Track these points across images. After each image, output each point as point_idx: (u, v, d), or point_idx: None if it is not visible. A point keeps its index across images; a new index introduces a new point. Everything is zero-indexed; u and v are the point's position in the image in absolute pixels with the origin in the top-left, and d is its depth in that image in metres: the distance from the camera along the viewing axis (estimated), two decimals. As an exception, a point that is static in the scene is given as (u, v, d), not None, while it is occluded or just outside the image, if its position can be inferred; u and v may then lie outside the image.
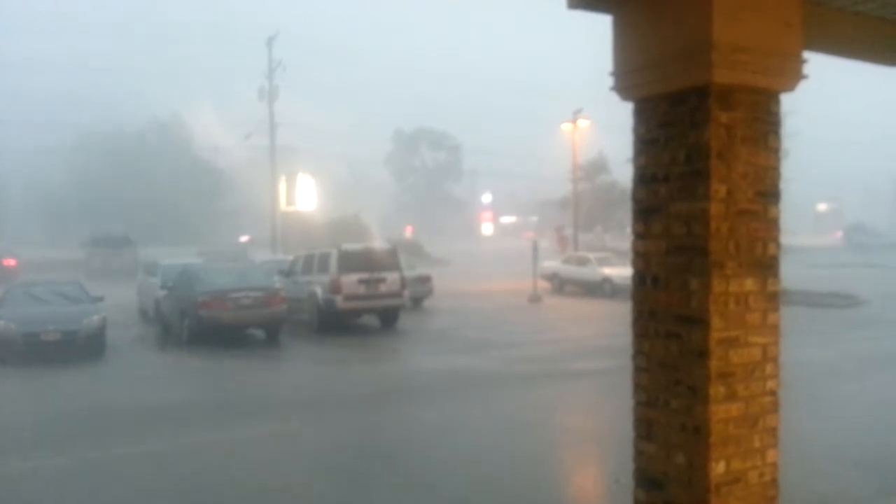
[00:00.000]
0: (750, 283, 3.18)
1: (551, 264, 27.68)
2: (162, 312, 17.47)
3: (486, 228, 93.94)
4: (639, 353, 3.46)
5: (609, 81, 3.55)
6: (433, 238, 60.75)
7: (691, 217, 3.15)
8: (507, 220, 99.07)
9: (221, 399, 11.00)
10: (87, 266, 36.32)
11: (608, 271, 24.83)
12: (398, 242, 27.16)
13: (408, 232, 65.11)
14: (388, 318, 18.02)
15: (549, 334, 16.90)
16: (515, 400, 10.50)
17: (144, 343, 16.57)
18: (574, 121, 34.79)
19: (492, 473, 7.09)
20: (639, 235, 3.45)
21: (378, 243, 23.13)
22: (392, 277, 17.59)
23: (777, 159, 3.29)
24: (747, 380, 3.18)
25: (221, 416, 9.75)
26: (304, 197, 38.61)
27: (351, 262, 17.35)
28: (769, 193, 3.25)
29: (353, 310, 17.48)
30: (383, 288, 17.46)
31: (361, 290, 17.18)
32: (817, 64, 3.71)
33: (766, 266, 3.24)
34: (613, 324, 15.22)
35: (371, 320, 18.44)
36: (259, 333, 16.39)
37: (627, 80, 3.45)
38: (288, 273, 19.15)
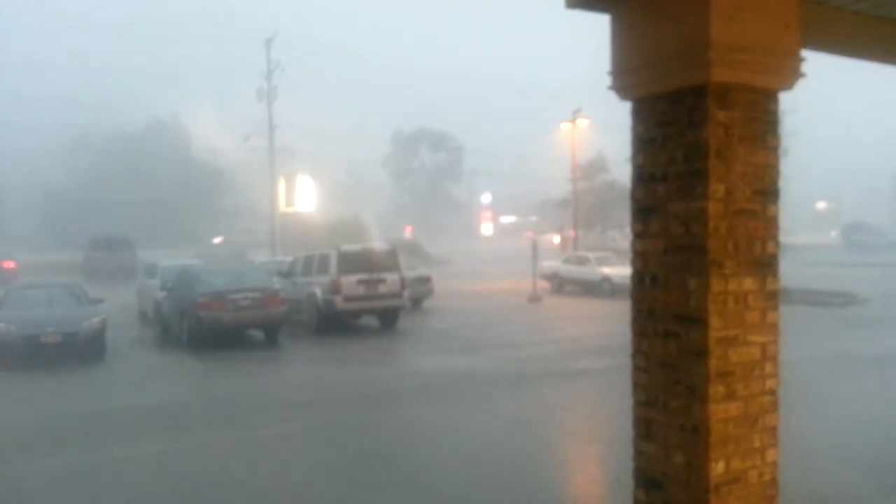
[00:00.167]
0: (749, 282, 3.18)
1: (551, 264, 27.69)
2: (161, 314, 17.46)
3: (486, 228, 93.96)
4: (638, 352, 3.45)
5: (607, 81, 3.56)
6: (433, 238, 60.74)
7: (690, 216, 3.15)
8: (506, 220, 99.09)
9: (221, 400, 11.00)
10: (86, 268, 36.30)
11: (607, 270, 24.85)
12: (398, 243, 27.16)
13: (407, 232, 65.13)
14: (388, 318, 18.01)
15: (548, 334, 16.90)
16: (516, 399, 10.50)
17: (144, 344, 16.57)
18: (573, 120, 34.81)
19: (492, 473, 7.08)
20: (637, 235, 3.45)
21: (377, 244, 23.13)
22: (392, 278, 17.58)
23: (775, 158, 3.29)
24: (746, 379, 3.17)
25: (221, 417, 9.75)
26: (303, 198, 38.62)
27: (350, 262, 17.34)
28: (768, 192, 3.24)
29: (353, 310, 17.48)
30: (383, 288, 17.46)
31: (361, 290, 17.18)
32: (816, 63, 3.71)
33: (765, 265, 3.24)
34: (613, 323, 15.21)
35: (371, 321, 18.44)
36: (258, 334, 16.38)
37: (625, 79, 3.45)
38: (287, 274, 19.15)
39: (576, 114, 34.56)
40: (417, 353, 15.10)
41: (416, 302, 21.51)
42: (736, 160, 3.13)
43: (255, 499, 6.66)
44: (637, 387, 3.46)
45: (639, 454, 3.44)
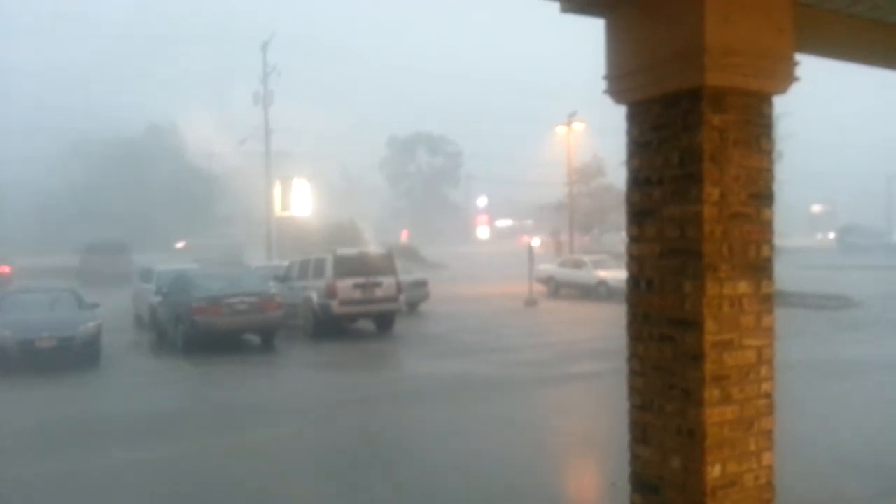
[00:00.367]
0: (744, 286, 3.18)
1: (547, 267, 27.70)
2: (157, 318, 17.41)
3: (482, 232, 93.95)
4: (633, 356, 3.45)
5: (602, 85, 3.56)
6: (429, 242, 60.73)
7: (685, 220, 3.15)
8: (503, 223, 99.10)
9: (217, 405, 10.96)
10: (82, 272, 36.18)
11: (603, 274, 24.87)
12: (394, 247, 27.13)
13: (403, 236, 65.06)
14: (384, 322, 17.99)
15: (545, 338, 16.89)
16: (512, 403, 10.49)
17: (140, 349, 16.52)
18: (569, 124, 34.85)
19: (489, 477, 7.07)
20: (633, 238, 3.46)
21: (374, 248, 23.10)
22: (388, 282, 17.56)
23: (770, 161, 3.30)
24: (742, 383, 3.18)
25: (217, 422, 9.71)
26: (299, 202, 38.58)
27: (346, 266, 17.31)
28: (762, 196, 3.25)
29: (349, 315, 17.44)
30: (379, 293, 17.43)
31: (357, 294, 17.15)
32: (811, 66, 3.72)
33: (760, 268, 3.24)
34: (609, 326, 15.22)
35: (367, 325, 18.41)
36: (254, 339, 16.34)
37: (620, 83, 3.45)
38: (283, 278, 19.11)
39: (571, 117, 34.60)
40: (414, 357, 15.08)
41: (413, 306, 21.49)
42: (730, 164, 3.14)
43: (252, 503, 6.64)
44: (633, 391, 3.46)
45: (635, 458, 3.44)
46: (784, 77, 3.27)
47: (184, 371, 13.91)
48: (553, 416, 9.76)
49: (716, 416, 3.09)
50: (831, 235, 71.35)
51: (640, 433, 3.40)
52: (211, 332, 15.04)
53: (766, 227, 3.28)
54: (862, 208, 77.99)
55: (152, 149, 65.71)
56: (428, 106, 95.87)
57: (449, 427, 9.17)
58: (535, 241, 31.46)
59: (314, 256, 18.96)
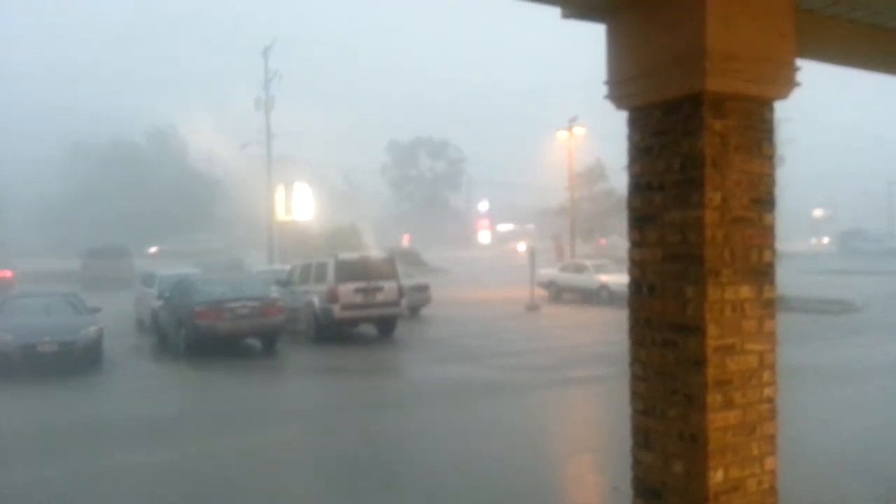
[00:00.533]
0: (745, 291, 3.18)
1: (548, 272, 27.66)
2: (159, 323, 17.42)
3: (484, 237, 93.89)
4: (635, 361, 3.45)
5: (603, 90, 3.57)
6: (430, 247, 60.73)
7: (686, 225, 3.15)
8: (504, 227, 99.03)
9: (219, 409, 10.96)
10: (83, 276, 36.21)
11: (605, 278, 24.82)
12: (395, 251, 27.13)
13: (405, 241, 65.05)
14: (386, 327, 17.99)
15: (547, 342, 16.88)
16: (514, 408, 10.48)
17: (141, 353, 16.52)
18: (570, 128, 34.86)
19: (491, 482, 7.06)
20: (634, 243, 3.46)
21: (375, 252, 23.10)
22: (389, 286, 17.56)
23: (771, 166, 3.30)
24: (744, 387, 3.17)
25: (219, 426, 9.71)
26: (300, 206, 38.61)
27: (348, 271, 17.32)
28: (764, 201, 3.25)
29: (351, 319, 17.44)
30: (380, 297, 17.43)
31: (358, 299, 17.15)
32: (812, 71, 3.73)
33: (762, 273, 3.24)
34: (611, 331, 15.22)
35: (368, 329, 18.41)
36: (256, 343, 16.34)
37: (621, 88, 3.46)
38: (285, 283, 19.12)
39: (572, 122, 34.62)
40: (415, 362, 15.08)
41: (414, 310, 21.48)
42: (732, 169, 3.14)
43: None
44: (635, 396, 3.46)
45: (637, 463, 3.44)
46: (785, 82, 3.27)
47: (185, 375, 13.92)
48: (555, 421, 9.75)
49: (718, 420, 3.09)
50: (825, 240, 71.53)
51: (643, 438, 3.40)
52: (212, 337, 15.05)
53: (768, 232, 3.28)
54: (863, 212, 77.91)
55: (154, 152, 65.84)
56: (430, 110, 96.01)
57: (450, 431, 9.16)
58: (521, 246, 31.52)
59: (316, 261, 18.97)
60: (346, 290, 17.01)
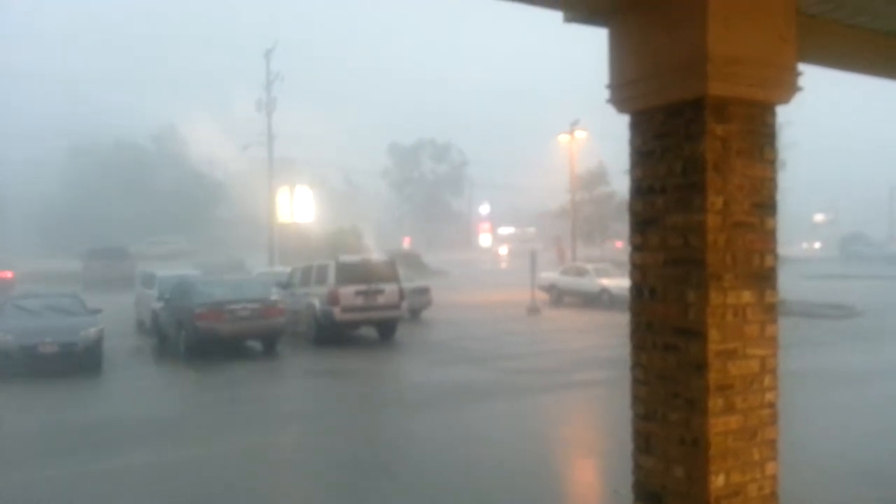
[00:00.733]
0: (747, 295, 3.18)
1: (549, 275, 27.64)
2: (159, 324, 17.42)
3: (484, 239, 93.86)
4: (637, 365, 3.45)
5: (605, 94, 3.57)
6: (431, 249, 60.74)
7: (688, 229, 3.15)
8: (505, 230, 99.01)
9: (219, 410, 10.95)
10: (84, 277, 36.25)
11: (606, 282, 24.81)
12: (396, 254, 27.12)
13: (406, 243, 65.08)
14: (386, 329, 17.98)
15: (548, 345, 16.87)
16: (515, 411, 10.47)
17: (142, 355, 16.51)
18: (571, 132, 34.88)
19: (490, 485, 7.05)
20: (636, 247, 3.46)
21: (376, 255, 23.10)
22: (390, 289, 17.56)
23: (773, 171, 3.30)
24: (745, 392, 3.17)
25: (219, 427, 9.70)
26: (302, 208, 38.63)
27: (349, 273, 17.32)
28: (765, 205, 3.25)
29: (351, 321, 17.44)
30: (381, 299, 17.43)
31: (359, 301, 17.15)
32: (814, 75, 3.73)
33: (764, 277, 3.24)
34: (612, 335, 15.22)
35: (369, 332, 18.40)
36: (257, 345, 16.34)
37: (623, 92, 3.46)
38: (286, 285, 19.12)
39: (574, 125, 34.64)
40: (415, 365, 15.06)
41: (415, 313, 21.48)
42: (733, 173, 3.14)
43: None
44: (636, 400, 3.45)
45: (638, 467, 3.43)
46: (787, 87, 3.28)
47: (185, 377, 13.91)
48: (556, 425, 9.74)
49: (719, 425, 3.08)
50: (816, 245, 71.95)
51: (644, 442, 3.40)
52: (213, 338, 15.04)
53: (770, 237, 3.28)
54: (864, 217, 77.91)
55: (155, 155, 65.90)
56: (431, 112, 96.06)
57: (450, 434, 9.15)
58: (503, 250, 31.52)
59: (316, 263, 18.97)
60: (347, 292, 17.01)
